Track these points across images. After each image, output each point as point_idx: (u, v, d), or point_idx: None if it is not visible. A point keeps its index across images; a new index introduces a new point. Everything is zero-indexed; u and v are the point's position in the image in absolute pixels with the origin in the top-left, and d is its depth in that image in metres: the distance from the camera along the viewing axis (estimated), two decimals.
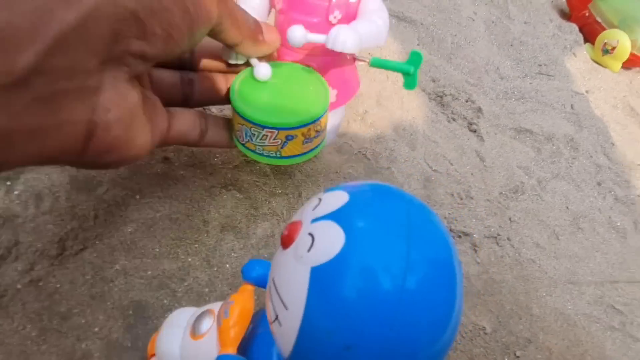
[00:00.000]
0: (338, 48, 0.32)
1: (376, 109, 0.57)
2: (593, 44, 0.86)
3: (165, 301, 0.31)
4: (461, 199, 0.50)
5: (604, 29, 0.84)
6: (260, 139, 0.32)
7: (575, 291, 0.46)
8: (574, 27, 0.87)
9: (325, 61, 0.37)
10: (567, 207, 0.56)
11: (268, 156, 0.34)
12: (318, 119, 0.33)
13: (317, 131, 0.34)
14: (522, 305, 0.42)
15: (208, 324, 0.24)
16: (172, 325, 0.26)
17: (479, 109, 0.64)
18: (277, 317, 0.17)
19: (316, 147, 0.36)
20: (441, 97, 0.63)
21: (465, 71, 0.70)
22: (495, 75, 0.73)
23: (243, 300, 0.23)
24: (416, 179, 0.50)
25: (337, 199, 0.17)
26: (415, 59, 0.37)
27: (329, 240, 0.16)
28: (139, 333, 0.30)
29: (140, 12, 0.21)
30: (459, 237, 0.46)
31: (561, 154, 0.63)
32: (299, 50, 0.36)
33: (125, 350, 0.29)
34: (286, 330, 0.16)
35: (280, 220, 0.39)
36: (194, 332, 0.24)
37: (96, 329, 0.30)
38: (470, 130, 0.61)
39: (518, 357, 0.38)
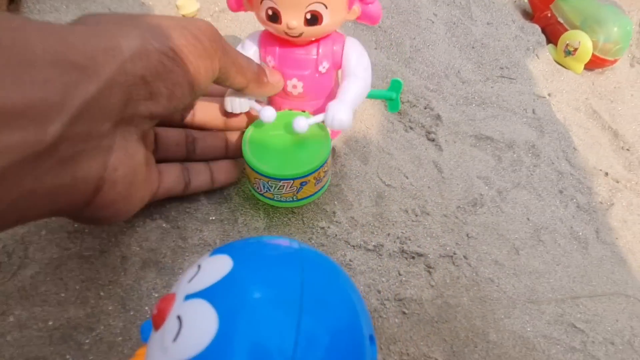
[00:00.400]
0: (336, 127, 0.38)
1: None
2: (556, 45, 0.84)
3: (67, 356, 0.27)
4: (416, 215, 0.47)
5: (566, 30, 0.83)
6: (278, 189, 0.36)
7: (534, 311, 0.44)
8: (537, 28, 0.86)
9: (318, 104, 0.43)
10: (528, 219, 0.54)
11: (285, 201, 0.38)
12: (325, 162, 0.38)
13: (325, 172, 0.39)
14: (479, 332, 0.39)
15: None
16: None
17: (438, 116, 0.62)
18: None
19: (325, 184, 0.41)
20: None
21: (424, 76, 0.67)
22: (456, 80, 0.71)
23: None
24: (368, 195, 0.47)
25: (218, 266, 0.15)
26: (395, 86, 0.46)
27: (198, 327, 0.13)
28: None
29: (148, 76, 0.22)
30: (412, 258, 0.43)
31: (522, 162, 0.61)
32: (293, 99, 0.42)
33: None
34: None
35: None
36: None
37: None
38: (429, 140, 0.59)
39: None
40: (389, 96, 0.45)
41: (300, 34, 0.36)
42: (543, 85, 0.77)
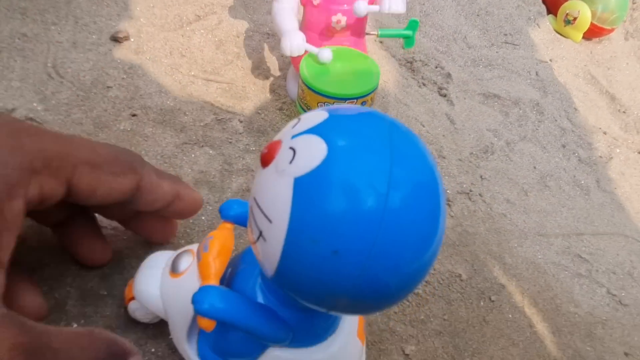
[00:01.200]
0: (393, 11, 0.41)
1: None
2: (556, 15, 0.88)
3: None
4: (434, 158, 0.51)
5: (566, 0, 0.86)
6: None
7: (544, 242, 0.47)
8: None
9: (351, 40, 0.46)
10: (535, 167, 0.58)
11: None
12: (377, 86, 0.41)
13: (373, 98, 0.42)
14: (495, 255, 0.43)
15: (187, 261, 0.24)
16: (150, 267, 0.25)
17: (449, 75, 0.65)
18: (260, 234, 0.16)
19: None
20: (411, 62, 0.64)
21: (434, 39, 0.71)
22: (463, 44, 0.74)
23: (222, 236, 0.22)
24: None
25: (316, 116, 0.17)
26: (412, 25, 0.48)
27: (311, 152, 0.15)
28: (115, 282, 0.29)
29: None
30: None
31: (527, 118, 0.64)
32: (335, 34, 0.45)
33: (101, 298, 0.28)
34: (271, 244, 0.16)
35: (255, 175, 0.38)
36: (174, 270, 0.24)
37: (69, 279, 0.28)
38: (441, 95, 0.62)
39: (493, 301, 0.39)
40: (406, 34, 0.48)
41: None
42: (544, 52, 0.81)
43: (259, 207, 0.16)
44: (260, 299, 0.20)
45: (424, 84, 0.62)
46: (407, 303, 0.35)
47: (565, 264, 0.46)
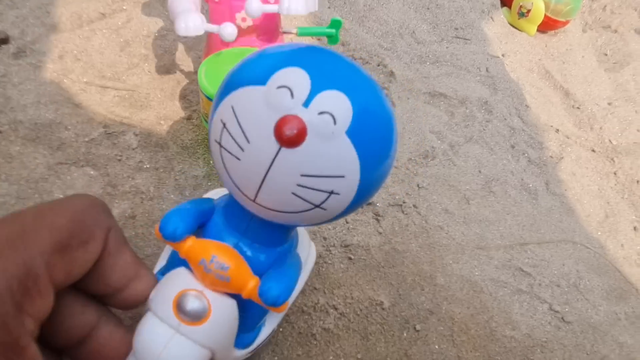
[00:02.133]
0: (292, 12, 0.36)
1: None
2: (510, 8, 0.85)
3: None
4: None
5: None
6: None
7: (483, 256, 0.44)
8: None
9: (263, 40, 0.41)
10: (480, 171, 0.54)
11: None
12: None
13: None
14: (426, 275, 0.39)
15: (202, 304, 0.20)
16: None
17: (391, 73, 0.61)
18: (330, 194, 0.18)
19: None
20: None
21: (378, 34, 0.66)
22: (411, 40, 0.70)
23: (220, 249, 0.20)
24: None
25: (299, 78, 0.17)
26: (335, 24, 0.46)
27: (341, 105, 0.17)
28: None
29: None
30: (361, 207, 0.42)
31: (475, 118, 0.61)
32: (242, 34, 0.39)
33: None
34: (346, 192, 0.18)
35: (145, 198, 0.33)
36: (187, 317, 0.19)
37: None
38: None
39: (418, 330, 0.35)
40: (330, 33, 0.45)
41: None
42: (497, 47, 0.78)
43: (317, 176, 0.17)
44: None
45: None
46: (315, 342, 0.31)
47: (505, 280, 0.42)
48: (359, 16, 0.67)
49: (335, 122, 0.17)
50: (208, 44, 0.41)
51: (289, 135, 0.16)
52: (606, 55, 0.97)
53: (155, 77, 0.44)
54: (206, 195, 0.28)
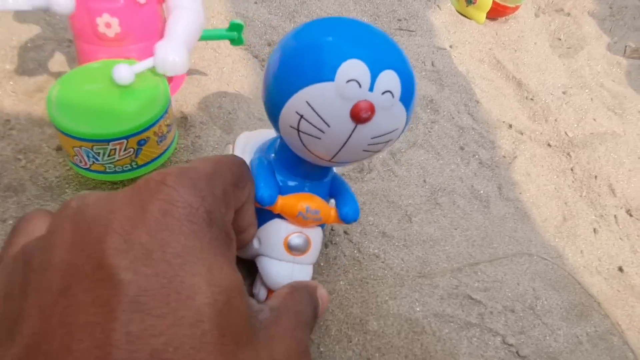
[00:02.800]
0: (170, 72, 0.31)
1: (185, 84, 0.45)
2: None
3: None
4: None
5: None
6: (108, 156, 0.29)
7: (426, 286, 0.38)
8: None
9: (144, 47, 0.33)
10: (425, 181, 0.48)
11: (123, 171, 0.31)
12: (166, 112, 0.31)
13: (168, 125, 0.32)
14: (355, 323, 0.33)
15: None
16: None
17: None
18: (389, 141, 0.23)
19: (172, 142, 0.34)
20: None
21: None
22: None
23: (308, 199, 0.27)
24: None
25: (361, 69, 0.21)
26: (235, 27, 0.40)
27: (392, 80, 0.21)
28: None
29: None
30: None
31: (419, 119, 0.55)
32: (110, 44, 0.33)
33: None
34: (396, 138, 0.24)
35: None
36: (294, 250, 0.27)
37: None
38: None
39: None
40: (232, 36, 0.40)
41: None
42: (445, 37, 0.72)
43: (382, 135, 0.22)
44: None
45: None
46: None
47: (451, 313, 0.37)
48: (289, 11, 0.60)
49: (393, 96, 0.21)
50: (77, 50, 0.33)
51: (364, 117, 0.21)
52: (560, 40, 0.93)
53: (21, 98, 0.36)
54: (238, 143, 0.31)
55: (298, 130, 0.22)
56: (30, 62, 0.39)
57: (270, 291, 0.28)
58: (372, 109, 0.21)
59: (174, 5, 0.32)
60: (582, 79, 0.80)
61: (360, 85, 0.20)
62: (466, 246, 0.44)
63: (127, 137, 0.28)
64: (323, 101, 0.21)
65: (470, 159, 0.55)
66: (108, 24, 0.30)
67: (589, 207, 0.57)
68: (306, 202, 0.26)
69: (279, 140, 0.27)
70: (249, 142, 0.31)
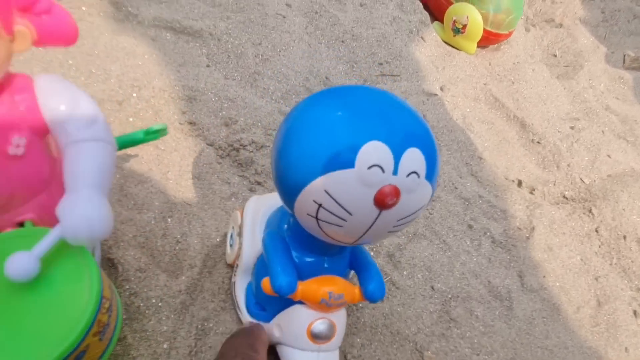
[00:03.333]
0: (86, 239, 0.22)
1: (115, 207, 0.34)
2: (442, 22, 0.70)
3: None
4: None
5: (450, 4, 0.68)
6: None
7: None
8: (418, 5, 0.71)
9: (41, 201, 0.24)
10: (432, 287, 0.39)
11: None
12: (100, 305, 0.22)
13: (107, 309, 0.24)
14: None
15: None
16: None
17: None
18: (414, 218, 0.22)
19: (116, 325, 0.26)
20: (237, 150, 0.42)
21: (276, 96, 0.50)
22: (323, 88, 0.54)
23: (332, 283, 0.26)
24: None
25: (383, 153, 0.19)
26: (151, 132, 0.34)
27: (417, 159, 0.20)
28: None
29: None
30: None
31: None
32: None
33: None
34: (420, 213, 0.22)
35: None
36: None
37: None
38: None
39: None
40: (141, 139, 0.33)
41: None
42: (434, 77, 0.63)
43: (408, 215, 0.21)
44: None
45: (258, 183, 0.41)
46: None
47: None
48: (249, 73, 0.51)
49: (419, 177, 0.20)
50: None
51: (390, 203, 0.20)
52: (555, 56, 0.84)
53: None
54: (247, 212, 0.31)
55: (317, 219, 0.21)
56: None
57: None
58: (397, 193, 0.20)
59: (66, 140, 0.23)
60: (586, 104, 0.72)
61: (383, 170, 0.19)
62: None
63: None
64: (343, 189, 0.20)
65: (481, 238, 0.46)
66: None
67: (623, 279, 0.49)
68: (328, 286, 0.25)
69: (292, 217, 0.25)
70: (259, 211, 0.30)
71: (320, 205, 0.21)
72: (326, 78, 0.55)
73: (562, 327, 0.41)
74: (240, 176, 0.41)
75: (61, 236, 0.22)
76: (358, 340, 0.33)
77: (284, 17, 0.57)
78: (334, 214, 0.21)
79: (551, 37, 0.87)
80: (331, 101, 0.22)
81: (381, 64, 0.60)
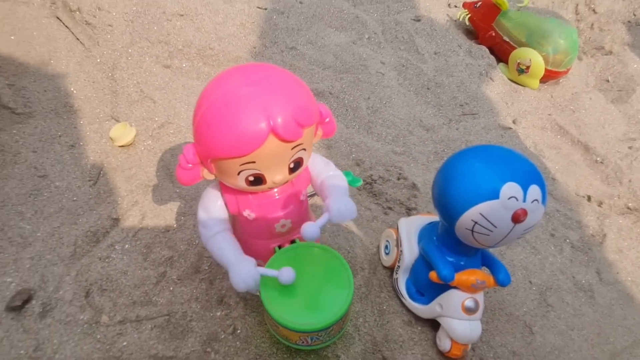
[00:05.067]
0: (346, 218, 0.35)
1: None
2: (507, 63, 0.83)
3: None
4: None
5: (513, 48, 0.81)
6: (329, 334, 0.36)
7: None
8: (484, 50, 0.84)
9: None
10: (530, 282, 0.51)
11: (332, 338, 0.37)
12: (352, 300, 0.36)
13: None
14: None
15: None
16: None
17: (414, 186, 0.58)
18: (532, 230, 0.35)
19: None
20: (370, 184, 0.57)
21: (388, 139, 0.64)
22: (421, 130, 0.68)
23: (476, 273, 0.39)
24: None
25: (516, 188, 0.33)
26: (350, 179, 0.49)
27: (536, 191, 0.33)
28: None
29: None
30: None
31: None
32: (279, 235, 0.37)
33: None
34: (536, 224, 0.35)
35: None
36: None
37: None
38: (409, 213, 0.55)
39: None
40: (354, 183, 0.50)
41: (284, 182, 0.34)
42: (505, 112, 0.75)
43: (530, 227, 0.34)
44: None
45: (389, 208, 0.55)
46: None
47: None
48: (364, 122, 0.65)
49: (539, 202, 0.33)
50: (243, 242, 0.38)
51: (522, 220, 0.33)
52: (608, 82, 0.95)
53: (185, 284, 0.41)
54: (402, 229, 0.45)
55: (472, 231, 0.34)
56: (179, 243, 0.45)
57: (454, 342, 0.40)
58: (526, 214, 0.32)
59: (323, 178, 0.38)
60: None
61: (517, 199, 0.32)
62: (587, 348, 0.46)
63: (342, 318, 0.34)
64: (492, 212, 0.33)
65: (563, 244, 0.57)
66: (283, 225, 0.36)
67: None
68: (476, 276, 0.38)
69: (439, 228, 0.40)
70: (412, 228, 0.44)
71: (476, 223, 0.34)
72: (420, 120, 0.69)
73: (636, 312, 0.52)
74: (375, 204, 0.55)
75: (330, 218, 0.35)
76: (483, 318, 0.46)
77: (383, 74, 0.72)
78: (485, 227, 0.34)
79: (602, 64, 0.98)
80: (476, 155, 0.36)
81: (462, 105, 0.74)
